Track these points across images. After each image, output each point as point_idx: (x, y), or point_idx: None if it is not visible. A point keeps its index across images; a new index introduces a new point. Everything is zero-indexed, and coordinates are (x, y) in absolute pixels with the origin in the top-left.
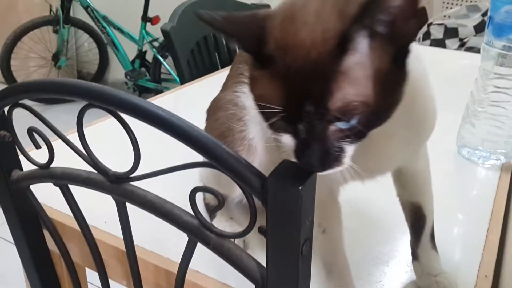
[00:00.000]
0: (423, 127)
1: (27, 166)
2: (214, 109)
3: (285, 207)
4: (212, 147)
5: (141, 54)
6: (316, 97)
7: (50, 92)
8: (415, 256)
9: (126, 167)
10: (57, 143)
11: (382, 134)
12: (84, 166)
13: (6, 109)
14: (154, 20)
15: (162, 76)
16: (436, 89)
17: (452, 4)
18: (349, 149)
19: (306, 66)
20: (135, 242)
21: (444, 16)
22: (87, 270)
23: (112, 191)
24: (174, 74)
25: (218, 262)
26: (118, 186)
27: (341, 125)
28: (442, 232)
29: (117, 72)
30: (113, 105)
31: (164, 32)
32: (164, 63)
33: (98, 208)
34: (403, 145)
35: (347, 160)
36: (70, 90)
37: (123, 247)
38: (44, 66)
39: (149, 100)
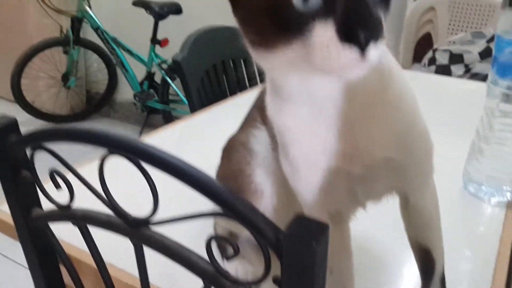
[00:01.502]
0: (404, 111)
1: (46, 203)
2: (229, 150)
3: (300, 260)
4: (231, 200)
5: (149, 76)
6: None
7: (72, 140)
8: None
9: (140, 205)
10: (76, 179)
11: (362, 113)
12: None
13: (28, 151)
14: (163, 43)
15: (170, 97)
16: (443, 122)
17: (457, 30)
18: (383, 22)
19: None
20: (150, 281)
21: (449, 42)
22: None
23: (131, 235)
24: (182, 95)
25: None
26: (137, 230)
27: None
28: (448, 268)
29: (125, 92)
30: (135, 155)
31: (175, 62)
32: (173, 84)
33: (114, 244)
34: (389, 138)
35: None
36: (93, 139)
37: (136, 284)
38: (53, 86)
39: (160, 129)
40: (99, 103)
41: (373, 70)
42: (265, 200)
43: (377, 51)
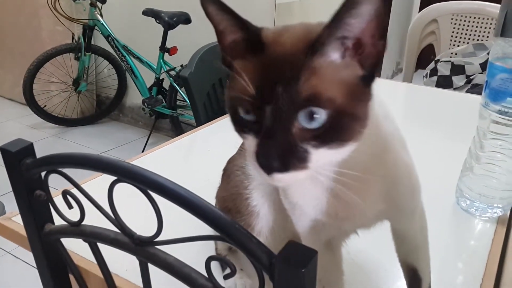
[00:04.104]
0: (400, 183)
1: (58, 219)
2: (229, 172)
3: (290, 283)
4: (230, 228)
5: (158, 82)
6: (288, 80)
7: (84, 166)
8: None
9: (143, 221)
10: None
11: (358, 182)
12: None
13: (43, 173)
14: (172, 51)
15: (178, 103)
16: (440, 136)
17: (459, 42)
18: (314, 153)
19: (284, 57)
20: None
21: (451, 53)
22: None
23: (136, 252)
24: (189, 101)
25: None
26: (142, 248)
27: (306, 123)
28: (440, 279)
29: (134, 97)
30: (143, 184)
31: (182, 78)
32: (180, 91)
33: (120, 256)
34: (379, 197)
35: (311, 164)
36: (104, 167)
37: None
38: (65, 91)
39: (168, 142)
40: (108, 107)
41: (362, 143)
42: (261, 221)
43: (291, 176)
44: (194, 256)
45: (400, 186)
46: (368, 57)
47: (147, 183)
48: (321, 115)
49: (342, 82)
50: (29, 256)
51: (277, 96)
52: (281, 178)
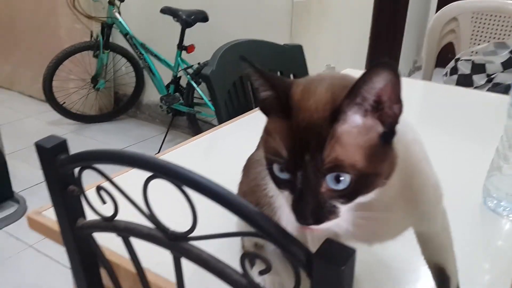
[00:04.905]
0: (425, 199)
1: (90, 214)
2: (248, 167)
3: (329, 282)
4: (267, 225)
5: (175, 80)
6: (314, 150)
7: (119, 162)
8: None
9: (174, 217)
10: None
11: (382, 203)
12: (142, 218)
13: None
14: (190, 49)
15: (195, 100)
16: (464, 136)
17: (480, 40)
18: (342, 207)
19: (310, 125)
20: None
21: (472, 52)
22: None
23: (170, 247)
24: (206, 99)
25: None
26: (176, 243)
27: (333, 184)
28: (467, 280)
29: (151, 94)
30: (178, 180)
31: (204, 76)
32: (197, 88)
33: (151, 251)
34: (402, 216)
35: (341, 213)
36: (140, 163)
37: None
38: (83, 88)
39: (189, 140)
40: (126, 104)
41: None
42: (278, 211)
43: (323, 226)
44: (222, 249)
45: (425, 201)
46: (387, 116)
47: (183, 180)
48: (346, 178)
49: (363, 146)
50: (51, 250)
51: (306, 164)
52: (315, 229)
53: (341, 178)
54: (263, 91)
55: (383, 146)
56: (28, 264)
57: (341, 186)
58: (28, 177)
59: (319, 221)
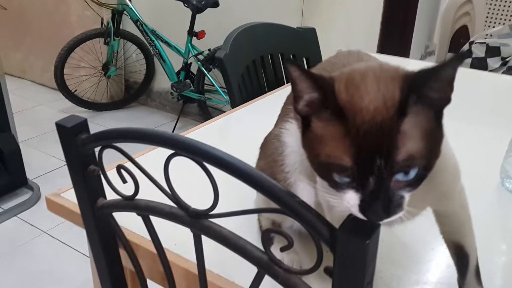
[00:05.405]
0: (445, 180)
1: (110, 193)
2: (265, 143)
3: (352, 256)
4: (290, 201)
5: (186, 66)
6: (385, 153)
7: (140, 141)
8: None
9: (194, 197)
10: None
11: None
12: (161, 196)
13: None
14: (200, 35)
15: (206, 87)
16: (480, 118)
17: (495, 23)
18: (407, 196)
19: (375, 128)
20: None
21: (486, 35)
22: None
23: (191, 225)
24: (217, 86)
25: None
26: (197, 221)
27: (402, 177)
28: (484, 261)
29: (162, 82)
30: (199, 157)
31: (218, 59)
32: (208, 75)
33: (169, 232)
34: (421, 196)
35: (405, 205)
36: (161, 140)
37: (191, 268)
38: (94, 75)
39: (203, 124)
40: (137, 92)
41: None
42: (294, 187)
43: (391, 218)
44: (239, 228)
45: (444, 182)
46: (442, 100)
47: (205, 156)
48: (416, 170)
49: (426, 133)
50: (65, 236)
51: (378, 168)
52: (384, 222)
53: (411, 171)
54: (308, 93)
55: (438, 128)
56: (42, 251)
57: (410, 177)
58: (41, 164)
59: (389, 215)
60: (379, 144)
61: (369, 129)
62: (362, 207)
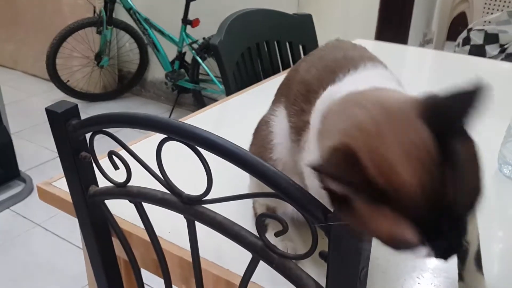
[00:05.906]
0: None
1: (102, 181)
2: (257, 128)
3: (347, 239)
4: (285, 184)
5: (180, 56)
6: (449, 216)
7: (132, 125)
8: (461, 277)
9: (187, 183)
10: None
11: None
12: (154, 183)
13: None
14: (194, 23)
15: (200, 77)
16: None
17: (493, 9)
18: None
19: (427, 201)
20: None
21: (485, 21)
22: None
23: (184, 211)
24: (212, 75)
25: (271, 274)
26: (190, 207)
27: None
28: (482, 248)
29: (155, 71)
30: (193, 141)
31: (212, 46)
32: (203, 64)
33: (162, 219)
34: None
35: None
36: (153, 124)
37: (185, 256)
38: (87, 65)
39: (198, 112)
40: (130, 82)
41: None
42: None
43: None
44: (233, 214)
45: None
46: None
47: (199, 140)
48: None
49: (471, 155)
50: (59, 229)
51: (448, 233)
52: None
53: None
54: (341, 191)
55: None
56: (36, 243)
57: None
58: (34, 156)
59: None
60: (438, 201)
61: (422, 203)
62: (438, 254)
